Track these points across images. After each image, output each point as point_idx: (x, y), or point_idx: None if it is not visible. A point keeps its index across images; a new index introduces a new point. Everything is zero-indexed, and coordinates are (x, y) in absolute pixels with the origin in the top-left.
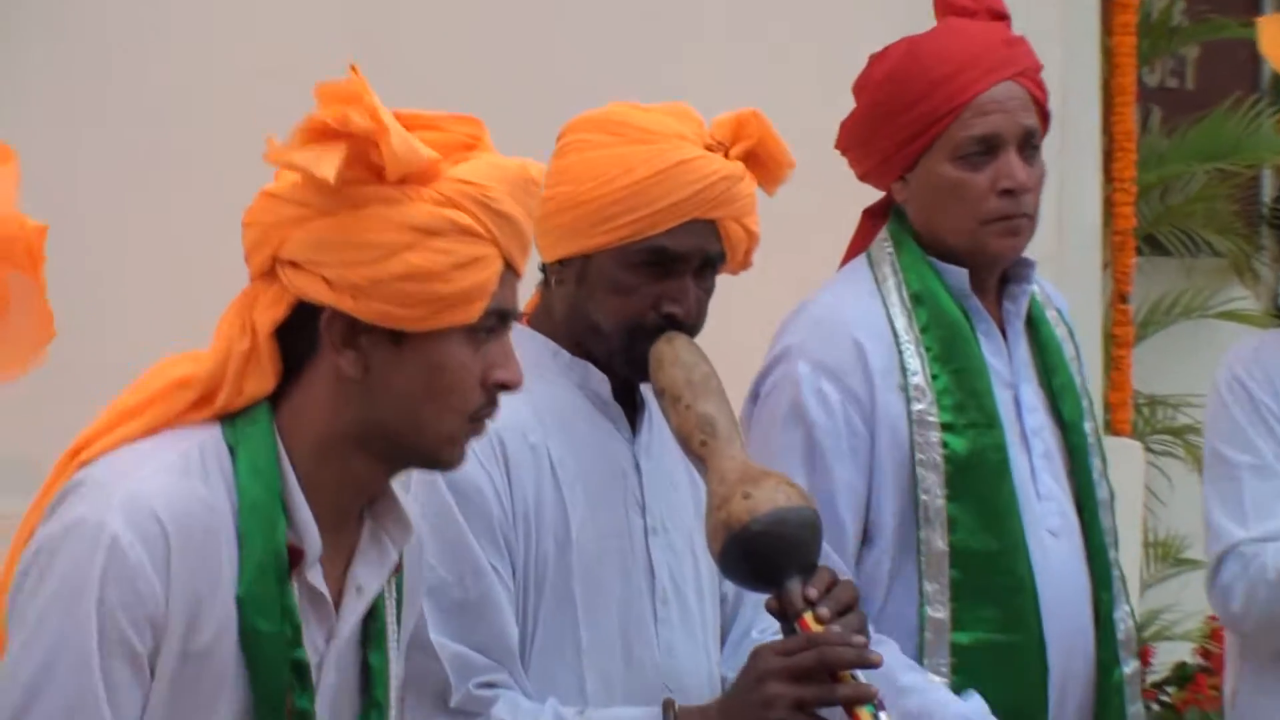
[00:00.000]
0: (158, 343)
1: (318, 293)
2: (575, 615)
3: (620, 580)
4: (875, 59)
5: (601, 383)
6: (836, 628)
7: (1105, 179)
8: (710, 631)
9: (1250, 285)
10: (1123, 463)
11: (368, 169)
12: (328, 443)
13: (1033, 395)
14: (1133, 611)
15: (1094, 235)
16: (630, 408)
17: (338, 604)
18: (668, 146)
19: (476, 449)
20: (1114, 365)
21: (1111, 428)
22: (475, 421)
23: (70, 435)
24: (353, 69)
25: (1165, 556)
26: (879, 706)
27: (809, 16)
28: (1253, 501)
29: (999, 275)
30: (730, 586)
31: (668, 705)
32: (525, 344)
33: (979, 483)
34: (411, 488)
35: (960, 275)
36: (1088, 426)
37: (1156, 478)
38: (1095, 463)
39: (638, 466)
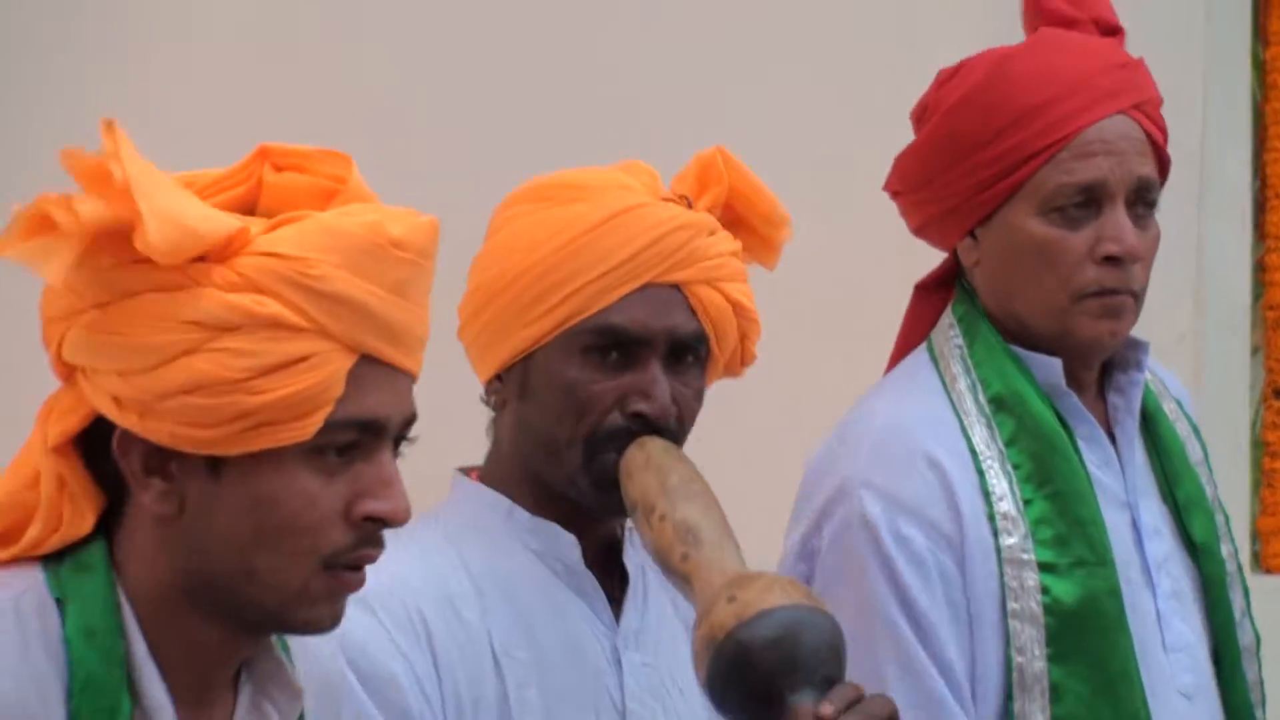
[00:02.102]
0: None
1: (106, 408)
2: None
3: None
4: (947, 76)
5: (571, 547)
6: None
7: (1256, 238)
8: None
9: None
10: (1274, 605)
11: (134, 257)
12: (161, 598)
13: (1155, 516)
14: None
15: (1242, 312)
16: (613, 581)
17: None
18: (608, 198)
19: (390, 628)
20: (1265, 481)
21: (1261, 562)
22: (337, 569)
23: None
24: (106, 125)
25: None
26: None
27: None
28: None
29: (1101, 363)
30: None
31: None
32: (467, 501)
33: (1091, 638)
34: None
35: (1052, 367)
36: (1225, 550)
37: None
38: (1236, 598)
39: (619, 662)
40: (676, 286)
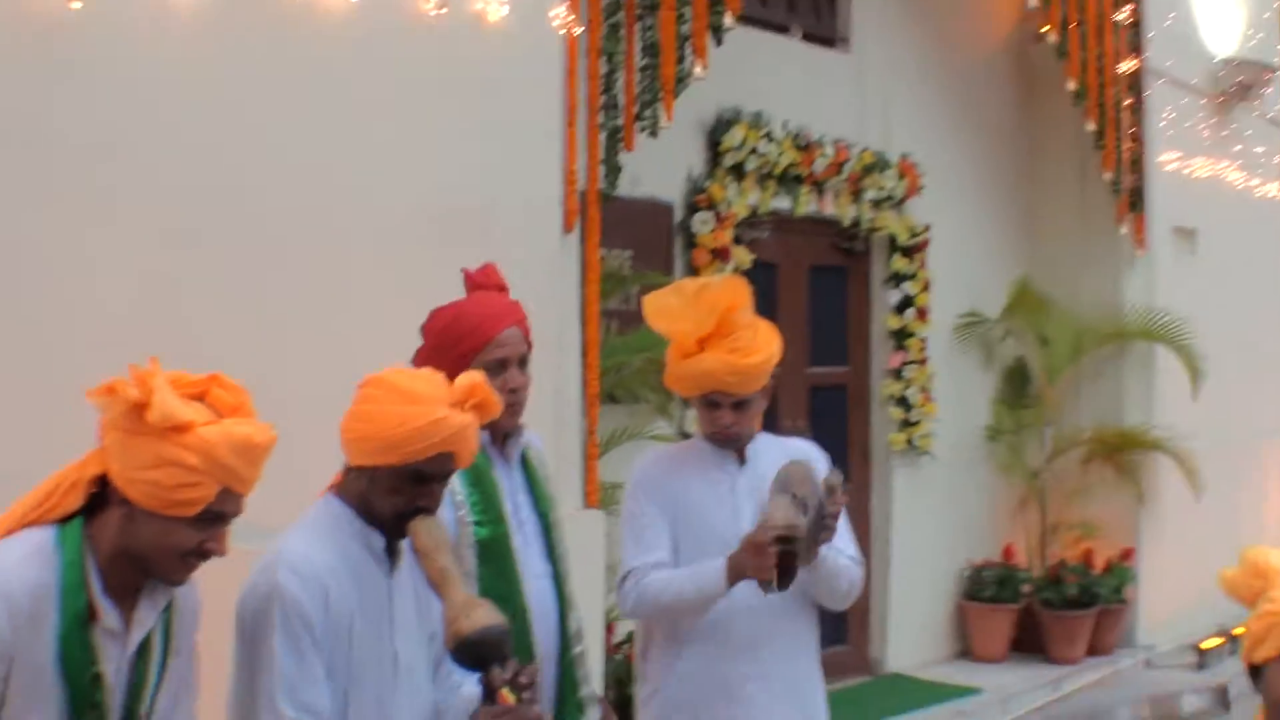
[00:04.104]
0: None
1: (112, 472)
2: (349, 692)
3: (376, 667)
4: (434, 315)
5: (378, 540)
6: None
7: (585, 364)
8: (425, 688)
9: (668, 420)
10: (592, 526)
11: (142, 417)
12: (111, 551)
13: (526, 499)
14: (580, 618)
15: (576, 397)
16: (390, 558)
17: (129, 631)
18: (428, 407)
19: (305, 580)
20: (588, 469)
21: (586, 500)
22: (186, 563)
23: None
24: (153, 361)
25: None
26: None
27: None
28: (643, 542)
29: (505, 433)
30: (439, 653)
31: None
32: (334, 510)
33: (494, 556)
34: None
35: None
36: (553, 516)
37: (615, 531)
38: (558, 536)
39: (390, 594)
40: (452, 454)
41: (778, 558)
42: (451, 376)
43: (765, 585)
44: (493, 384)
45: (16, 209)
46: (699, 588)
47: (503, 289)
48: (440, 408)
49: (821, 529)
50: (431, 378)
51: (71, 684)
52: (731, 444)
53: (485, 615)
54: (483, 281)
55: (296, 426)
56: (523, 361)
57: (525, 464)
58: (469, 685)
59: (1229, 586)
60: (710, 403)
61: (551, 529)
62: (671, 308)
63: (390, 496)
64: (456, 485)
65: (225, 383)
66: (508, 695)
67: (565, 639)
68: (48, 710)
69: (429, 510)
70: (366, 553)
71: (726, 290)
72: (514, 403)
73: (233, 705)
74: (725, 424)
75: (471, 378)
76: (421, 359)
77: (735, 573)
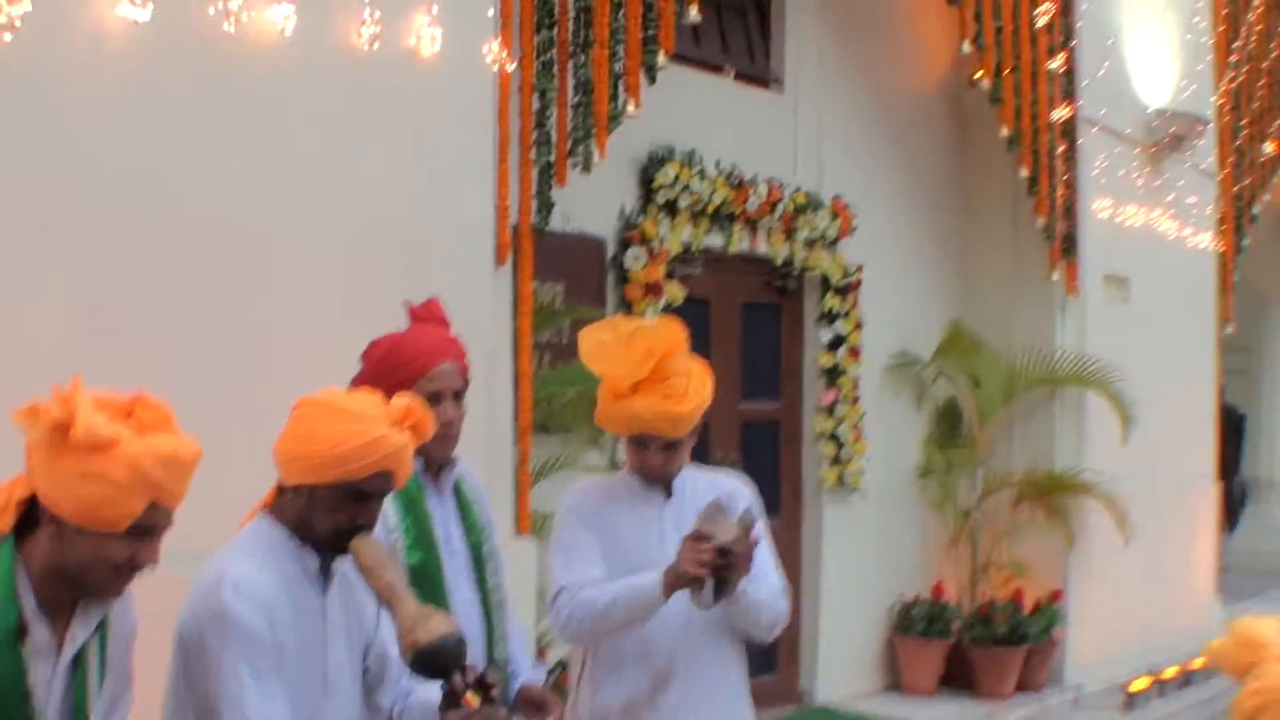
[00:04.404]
0: None
1: (40, 492)
2: (291, 701)
3: (308, 682)
4: (374, 344)
5: (313, 559)
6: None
7: (518, 395)
8: (353, 703)
9: (601, 451)
10: (524, 553)
11: (66, 437)
12: (43, 569)
13: (456, 528)
14: (511, 647)
15: (508, 427)
16: (324, 577)
17: (60, 648)
18: (367, 425)
19: (250, 601)
20: (520, 498)
21: (518, 527)
22: (120, 576)
23: None
24: (74, 380)
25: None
26: None
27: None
28: (576, 564)
29: (439, 464)
30: (371, 663)
31: None
32: (267, 530)
33: (425, 581)
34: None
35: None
36: (486, 546)
37: (546, 558)
38: (491, 565)
39: (324, 612)
40: (390, 473)
41: (713, 570)
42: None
43: (697, 595)
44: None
45: None
46: (635, 596)
47: (444, 323)
48: (380, 426)
49: (736, 566)
50: (369, 398)
51: (0, 699)
52: (659, 480)
53: (440, 624)
54: (425, 315)
55: (223, 450)
56: (457, 395)
57: (458, 495)
58: (420, 690)
59: (1216, 658)
60: (640, 442)
61: (484, 560)
62: (607, 349)
63: (330, 514)
64: (390, 510)
65: (148, 401)
66: (472, 699)
67: (491, 638)
68: None
69: (368, 527)
70: (301, 573)
71: (662, 335)
72: (447, 435)
73: None
74: (654, 464)
75: (408, 399)
76: (357, 386)
77: (671, 580)
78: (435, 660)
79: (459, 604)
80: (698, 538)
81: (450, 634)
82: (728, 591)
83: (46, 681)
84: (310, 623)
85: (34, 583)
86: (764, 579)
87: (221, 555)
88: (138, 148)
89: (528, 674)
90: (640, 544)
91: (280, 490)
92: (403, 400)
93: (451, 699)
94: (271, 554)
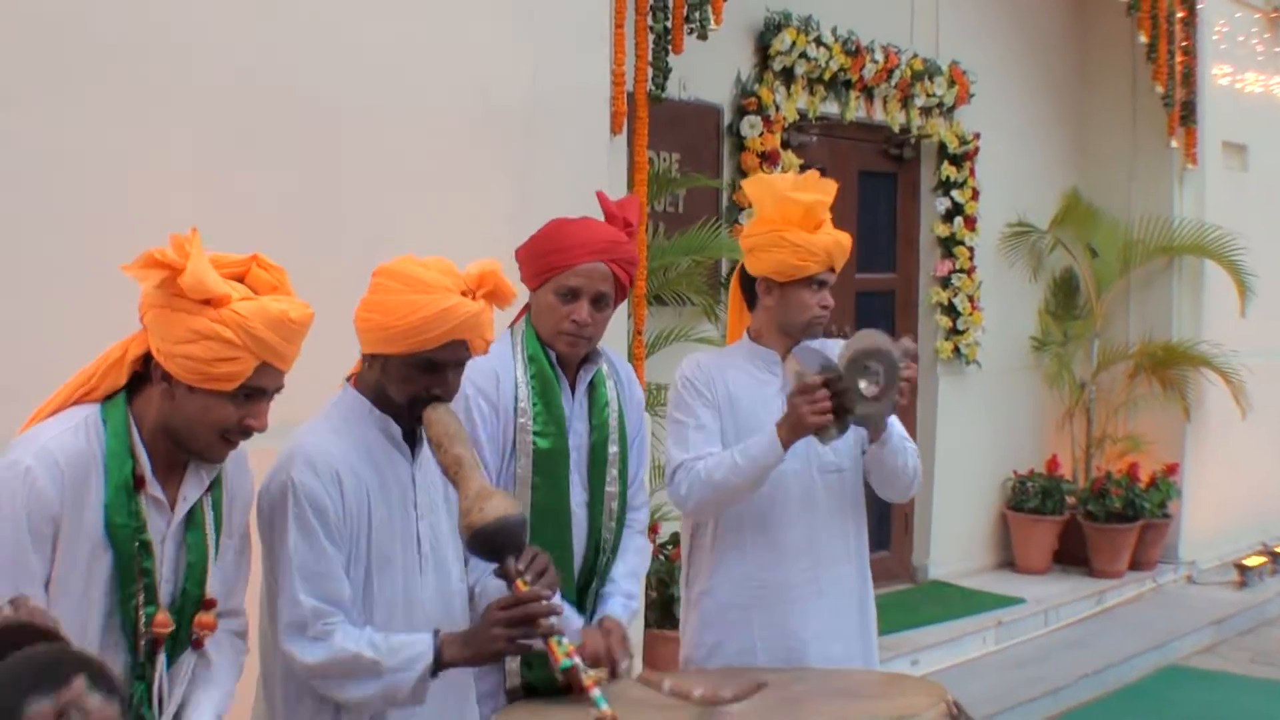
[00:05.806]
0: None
1: (153, 348)
2: (373, 576)
3: (401, 551)
4: (548, 223)
5: (394, 428)
6: (537, 588)
7: None
8: (455, 577)
9: (713, 323)
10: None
11: (179, 290)
12: (154, 427)
13: (582, 429)
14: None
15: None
16: (412, 443)
17: (174, 506)
18: (437, 296)
19: (322, 475)
20: (635, 370)
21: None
22: (226, 440)
23: None
24: (192, 230)
25: (660, 477)
26: (560, 634)
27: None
28: (692, 441)
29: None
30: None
31: (436, 633)
32: (350, 400)
33: (551, 468)
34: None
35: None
36: (610, 450)
37: (659, 433)
38: (610, 471)
39: (414, 480)
40: (463, 342)
41: (830, 398)
42: (530, 284)
43: (823, 433)
44: (560, 311)
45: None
46: (752, 457)
47: (627, 225)
48: (450, 295)
49: (895, 394)
50: (442, 265)
51: (118, 549)
52: (823, 329)
53: (499, 505)
54: (609, 210)
55: (329, 321)
56: (599, 299)
57: (592, 393)
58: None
59: None
60: (818, 283)
61: (602, 463)
62: (777, 187)
63: (403, 384)
64: (523, 392)
65: (265, 263)
66: (523, 585)
67: (597, 547)
68: (97, 579)
69: (443, 398)
70: (386, 440)
71: (826, 183)
72: (576, 335)
73: (264, 596)
74: (830, 305)
75: (483, 265)
76: (519, 257)
77: (789, 429)
78: (492, 542)
79: (571, 504)
80: (803, 390)
81: (508, 516)
82: (847, 420)
83: (160, 537)
84: (398, 489)
85: (145, 439)
86: (894, 426)
87: (302, 427)
88: (254, 22)
89: (616, 608)
90: (760, 411)
91: (363, 359)
92: (477, 266)
93: (506, 580)
94: (352, 423)
